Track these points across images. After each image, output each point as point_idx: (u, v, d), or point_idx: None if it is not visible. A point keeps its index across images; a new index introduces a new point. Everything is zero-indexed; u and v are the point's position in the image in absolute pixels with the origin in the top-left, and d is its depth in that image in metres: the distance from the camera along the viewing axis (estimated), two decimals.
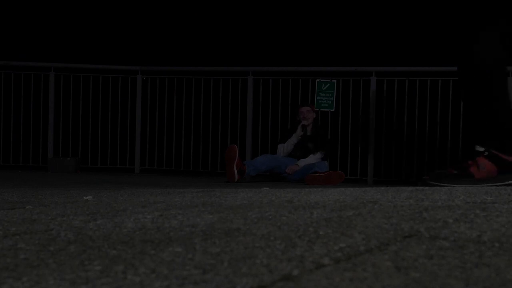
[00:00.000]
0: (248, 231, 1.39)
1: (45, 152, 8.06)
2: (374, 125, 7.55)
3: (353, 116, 7.81)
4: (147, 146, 8.22)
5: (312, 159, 6.82)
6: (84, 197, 2.56)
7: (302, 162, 6.77)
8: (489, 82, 3.20)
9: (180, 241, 1.29)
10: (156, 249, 1.20)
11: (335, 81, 7.63)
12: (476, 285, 0.89)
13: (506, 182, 3.00)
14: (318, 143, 6.91)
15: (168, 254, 1.15)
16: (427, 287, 0.88)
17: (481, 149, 3.19)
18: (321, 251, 1.13)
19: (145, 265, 1.05)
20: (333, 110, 7.65)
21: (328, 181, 6.26)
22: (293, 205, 1.89)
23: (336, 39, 9.09)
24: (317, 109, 7.42)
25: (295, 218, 1.59)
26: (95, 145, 8.21)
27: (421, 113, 7.48)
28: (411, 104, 7.53)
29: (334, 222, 1.49)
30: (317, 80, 7.64)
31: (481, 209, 1.68)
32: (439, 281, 0.91)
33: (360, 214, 1.62)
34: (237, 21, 9.63)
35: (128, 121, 8.21)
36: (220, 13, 9.80)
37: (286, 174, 6.73)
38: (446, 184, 2.89)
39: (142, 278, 0.96)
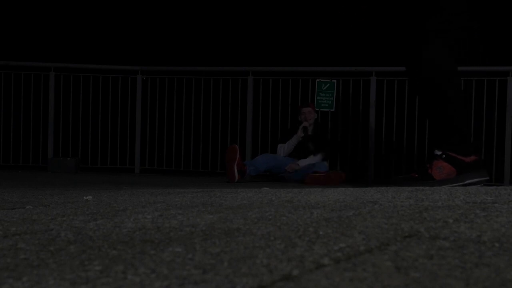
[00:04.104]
0: (248, 231, 1.39)
1: (45, 152, 8.06)
2: (374, 125, 7.55)
3: (353, 116, 7.81)
4: (147, 146, 8.23)
5: (312, 159, 6.83)
6: (84, 197, 2.56)
7: (303, 162, 6.77)
8: (436, 87, 3.24)
9: (180, 241, 1.29)
10: (156, 249, 1.20)
11: (335, 81, 7.63)
12: (476, 285, 0.89)
13: (466, 182, 3.04)
14: (318, 144, 6.91)
15: (168, 254, 1.15)
16: (427, 287, 0.88)
17: (439, 152, 3.27)
18: (321, 251, 1.13)
19: (145, 265, 1.05)
20: (333, 110, 7.65)
21: (328, 181, 6.26)
22: (293, 205, 1.89)
23: (336, 39, 9.09)
24: (317, 109, 7.42)
25: (295, 218, 1.59)
26: (95, 145, 8.21)
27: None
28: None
29: (334, 222, 1.49)
30: (317, 80, 7.64)
31: (481, 209, 1.68)
32: (439, 281, 0.91)
33: (360, 214, 1.62)
34: (237, 21, 9.63)
35: (128, 121, 8.21)
36: (220, 13, 9.80)
37: (286, 172, 6.72)
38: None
39: (142, 278, 0.96)
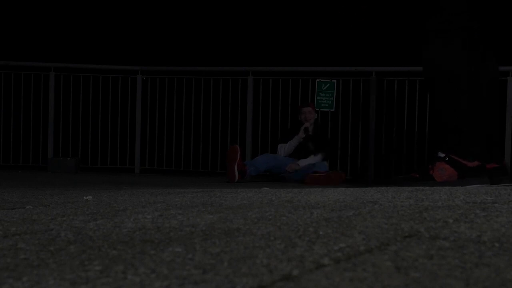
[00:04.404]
0: (248, 231, 1.39)
1: (45, 152, 8.06)
2: (374, 125, 7.55)
3: (353, 116, 7.81)
4: (147, 146, 8.22)
5: (313, 159, 6.82)
6: (84, 197, 2.56)
7: (303, 162, 6.77)
8: (436, 87, 3.24)
9: (180, 241, 1.29)
10: (156, 249, 1.20)
11: (335, 81, 7.62)
12: (476, 285, 0.89)
13: (467, 187, 3.03)
14: (318, 144, 6.91)
15: (168, 254, 1.15)
16: (427, 287, 0.88)
17: (442, 154, 3.27)
18: (321, 251, 1.13)
19: (145, 265, 1.05)
20: (333, 110, 7.65)
21: (328, 181, 6.25)
22: (293, 205, 1.89)
23: (336, 39, 9.09)
24: (317, 109, 7.42)
25: (295, 218, 1.59)
26: (95, 145, 8.21)
27: (421, 113, 7.48)
28: (411, 104, 7.53)
29: (334, 222, 1.49)
30: (317, 80, 7.64)
31: (481, 209, 1.68)
32: (439, 281, 0.91)
33: (360, 214, 1.62)
34: (237, 21, 9.63)
35: (128, 121, 8.21)
36: (220, 13, 9.80)
37: (286, 172, 6.72)
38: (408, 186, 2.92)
39: (142, 278, 0.96)
